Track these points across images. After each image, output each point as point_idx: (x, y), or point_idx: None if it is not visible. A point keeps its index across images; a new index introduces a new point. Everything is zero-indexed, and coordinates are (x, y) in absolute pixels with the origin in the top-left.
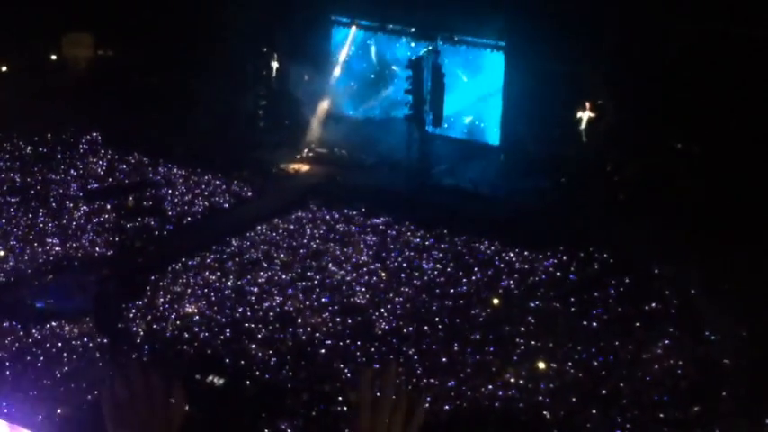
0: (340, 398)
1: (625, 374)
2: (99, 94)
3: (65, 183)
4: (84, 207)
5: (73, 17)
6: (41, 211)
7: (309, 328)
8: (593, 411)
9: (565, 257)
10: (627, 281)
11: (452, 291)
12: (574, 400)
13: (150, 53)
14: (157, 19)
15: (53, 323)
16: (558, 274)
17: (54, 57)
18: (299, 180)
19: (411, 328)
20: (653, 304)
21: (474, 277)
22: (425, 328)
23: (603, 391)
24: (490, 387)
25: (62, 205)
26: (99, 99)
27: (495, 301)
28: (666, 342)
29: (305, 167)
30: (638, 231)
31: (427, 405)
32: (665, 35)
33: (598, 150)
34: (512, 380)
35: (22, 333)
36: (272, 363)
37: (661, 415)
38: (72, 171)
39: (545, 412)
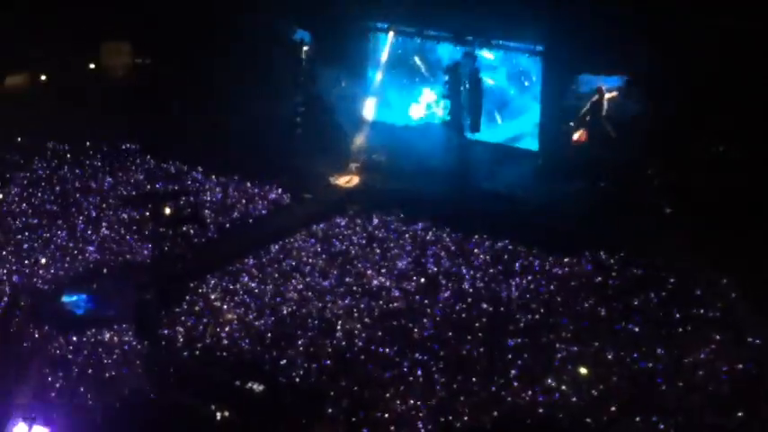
0: (380, 404)
1: (667, 380)
2: (137, 102)
3: (103, 190)
4: (123, 214)
5: (111, 26)
6: (80, 218)
7: (349, 334)
8: (636, 418)
9: (604, 262)
10: (668, 286)
11: (491, 296)
12: (615, 406)
13: (187, 61)
14: (194, 27)
15: (92, 330)
16: (598, 279)
17: (92, 66)
18: (338, 186)
19: (450, 334)
20: (695, 309)
21: (513, 282)
22: (465, 334)
23: (646, 397)
24: (531, 393)
25: (101, 213)
26: (137, 107)
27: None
28: (709, 347)
29: (352, 177)
30: (680, 236)
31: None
32: (708, 35)
33: (638, 154)
34: (553, 385)
35: (61, 340)
36: (311, 369)
37: (704, 421)
38: (110, 179)
39: (587, 419)
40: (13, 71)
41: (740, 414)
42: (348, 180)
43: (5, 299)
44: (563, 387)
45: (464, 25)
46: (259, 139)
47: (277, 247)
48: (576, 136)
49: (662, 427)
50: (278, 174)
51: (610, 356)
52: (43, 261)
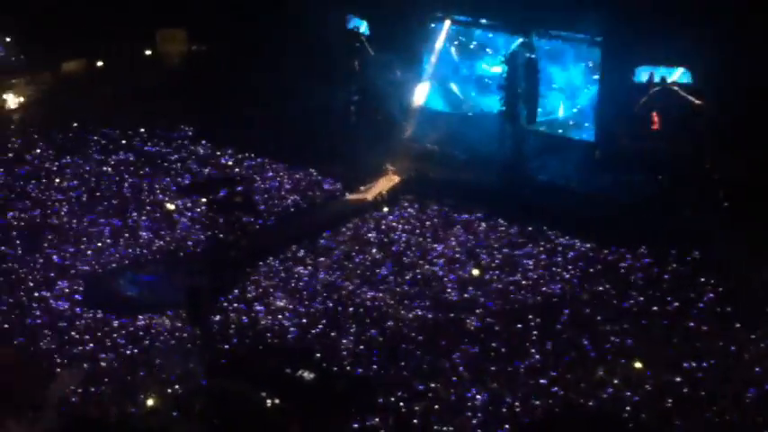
0: (431, 395)
1: (723, 376)
2: (193, 89)
3: (158, 177)
4: (178, 201)
5: (167, 13)
6: (135, 204)
7: (401, 324)
8: (691, 414)
9: (661, 256)
10: (725, 281)
11: (545, 288)
12: (670, 401)
13: (243, 48)
14: (250, 14)
15: (145, 315)
16: (655, 272)
17: (148, 52)
18: (391, 175)
19: (503, 326)
20: (751, 305)
21: (567, 274)
22: (518, 325)
23: (701, 393)
24: (583, 386)
25: (155, 199)
26: (192, 94)
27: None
28: (765, 343)
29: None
30: (738, 231)
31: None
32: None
33: (698, 147)
34: (605, 379)
35: (115, 324)
36: (362, 358)
37: (760, 418)
38: (166, 165)
39: (642, 414)
40: (69, 57)
41: None
42: (383, 185)
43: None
44: (615, 381)
45: (521, 14)
46: (314, 126)
47: (330, 234)
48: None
49: (717, 421)
50: (332, 162)
51: (664, 352)
52: (99, 245)
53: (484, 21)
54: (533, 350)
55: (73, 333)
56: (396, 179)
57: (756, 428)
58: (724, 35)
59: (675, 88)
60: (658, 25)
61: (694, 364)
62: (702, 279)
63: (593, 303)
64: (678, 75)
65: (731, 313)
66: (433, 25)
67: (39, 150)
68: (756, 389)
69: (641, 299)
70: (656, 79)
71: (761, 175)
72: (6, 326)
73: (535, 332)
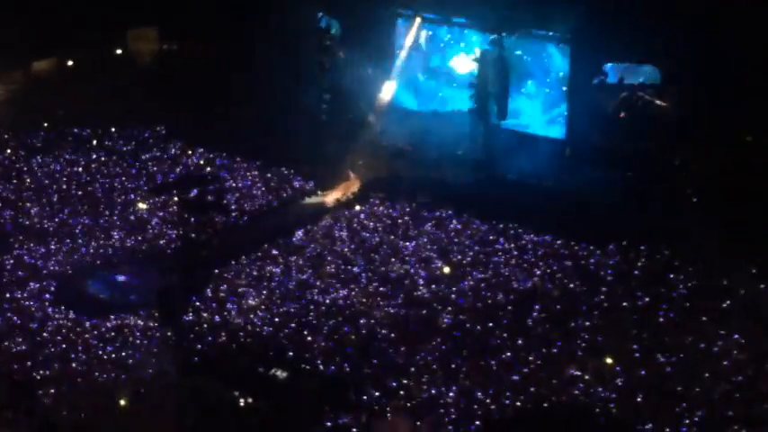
0: (403, 392)
1: (693, 371)
2: (163, 89)
3: (129, 176)
4: (149, 200)
5: (138, 12)
6: (105, 203)
7: (372, 322)
8: (660, 408)
9: (630, 252)
10: (693, 276)
11: (516, 285)
12: (641, 396)
13: (214, 48)
14: (220, 14)
15: (116, 316)
16: (624, 268)
17: (119, 51)
18: (362, 174)
19: (474, 323)
20: (719, 300)
21: (538, 271)
22: (489, 322)
23: (671, 388)
24: (555, 382)
25: (126, 199)
26: (163, 93)
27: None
28: (734, 338)
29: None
30: (706, 227)
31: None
32: (732, 23)
33: (666, 144)
34: (577, 375)
35: (87, 325)
36: (334, 356)
37: (730, 413)
38: (136, 164)
39: (612, 408)
40: (40, 57)
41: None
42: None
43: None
44: (587, 377)
45: (492, 12)
46: (285, 126)
47: (301, 233)
48: None
49: (687, 417)
50: (302, 161)
51: (634, 347)
52: (69, 246)
53: (454, 18)
54: (505, 347)
55: (45, 334)
56: (356, 185)
57: (726, 422)
58: (691, 34)
59: (641, 93)
60: (627, 24)
61: (663, 359)
62: (672, 275)
63: (563, 300)
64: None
65: (700, 306)
66: (402, 23)
67: (9, 150)
68: (725, 383)
69: (611, 295)
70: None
71: (729, 171)
72: None
73: (507, 329)
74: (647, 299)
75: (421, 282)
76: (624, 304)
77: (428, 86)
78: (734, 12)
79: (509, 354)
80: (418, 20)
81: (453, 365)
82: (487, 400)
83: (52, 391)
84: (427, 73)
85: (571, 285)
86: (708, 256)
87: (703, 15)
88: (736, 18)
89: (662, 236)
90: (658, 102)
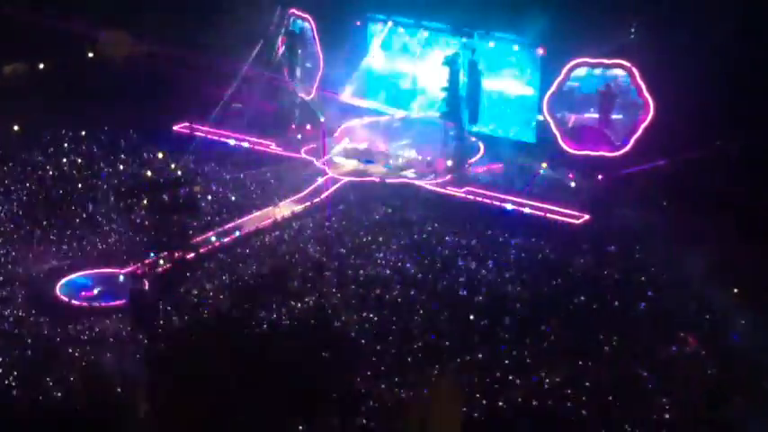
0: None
1: (661, 374)
2: (135, 92)
3: (101, 180)
4: (120, 204)
5: (110, 15)
6: (77, 208)
7: (344, 325)
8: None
9: (602, 256)
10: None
11: (487, 288)
12: (610, 398)
13: (186, 52)
14: (196, 16)
15: (89, 319)
16: (595, 272)
17: (91, 54)
18: (335, 177)
19: (446, 326)
20: (688, 303)
21: (508, 274)
22: (462, 325)
23: (639, 391)
24: (526, 383)
25: (98, 203)
26: (134, 96)
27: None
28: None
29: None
30: (677, 230)
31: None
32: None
33: (643, 148)
34: (544, 377)
35: (58, 329)
36: (305, 359)
37: (694, 414)
38: (108, 168)
39: (582, 411)
40: (10, 60)
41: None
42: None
43: None
44: (556, 379)
45: (463, 17)
46: (256, 129)
47: (271, 236)
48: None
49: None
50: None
51: (603, 350)
52: (39, 250)
53: (426, 23)
54: (477, 349)
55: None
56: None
57: (695, 424)
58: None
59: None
60: (597, 25)
61: (632, 363)
62: (642, 278)
63: (535, 303)
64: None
65: (668, 311)
66: (374, 26)
67: None
68: (692, 385)
69: (582, 298)
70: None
71: (701, 174)
72: None
73: (479, 332)
74: (616, 303)
75: (393, 285)
76: (594, 307)
77: (400, 89)
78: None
79: (480, 355)
80: (390, 23)
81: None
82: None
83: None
84: (400, 76)
85: (543, 289)
86: (679, 260)
87: (675, 18)
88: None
89: (628, 239)
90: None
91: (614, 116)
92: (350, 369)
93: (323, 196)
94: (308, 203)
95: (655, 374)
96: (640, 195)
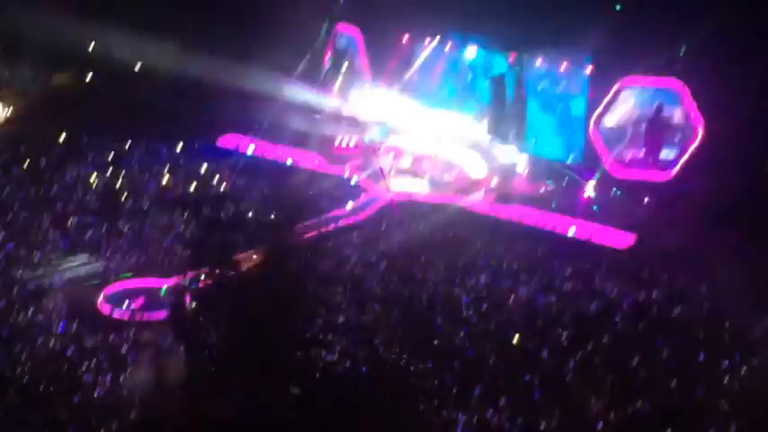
0: None
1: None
2: (180, 105)
3: (145, 192)
4: (165, 217)
5: (156, 27)
6: (121, 219)
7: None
8: None
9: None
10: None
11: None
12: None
13: (232, 65)
14: (237, 32)
15: (130, 330)
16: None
17: (137, 68)
18: (380, 194)
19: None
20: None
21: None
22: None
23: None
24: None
25: (142, 215)
26: (183, 108)
27: None
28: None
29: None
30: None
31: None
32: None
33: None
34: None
35: (99, 339)
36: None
37: None
38: (152, 181)
39: None
40: (60, 70)
41: None
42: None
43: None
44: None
45: (511, 34)
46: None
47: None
48: None
49: None
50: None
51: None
52: (83, 260)
53: (473, 39)
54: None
55: (53, 346)
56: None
57: None
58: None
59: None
60: (648, 44)
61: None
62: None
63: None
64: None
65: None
66: (421, 41)
67: (28, 162)
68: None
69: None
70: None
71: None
72: None
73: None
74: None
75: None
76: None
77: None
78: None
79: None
80: (438, 38)
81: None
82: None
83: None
84: (445, 94)
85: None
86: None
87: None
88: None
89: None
90: None
91: (663, 138)
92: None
93: (367, 213)
94: (353, 221)
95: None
96: (689, 218)
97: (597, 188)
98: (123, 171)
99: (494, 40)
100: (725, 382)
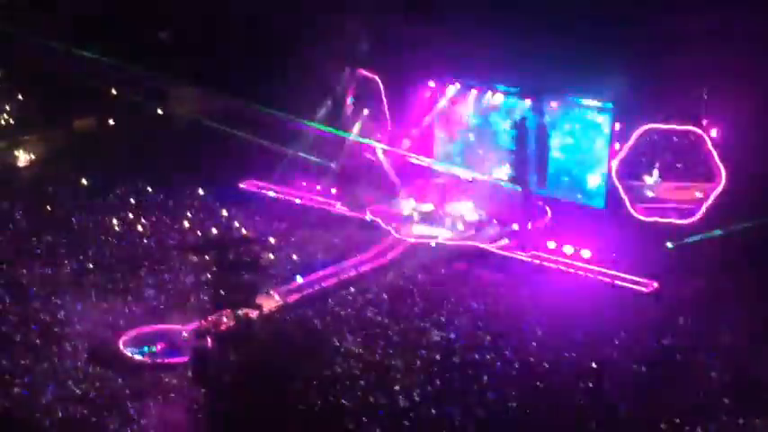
0: None
1: None
2: (201, 149)
3: (165, 236)
4: (184, 260)
5: (180, 72)
6: (142, 262)
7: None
8: None
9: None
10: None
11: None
12: None
13: (254, 110)
14: (261, 77)
15: (150, 374)
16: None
17: (160, 111)
18: (400, 238)
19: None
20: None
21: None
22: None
23: None
24: None
25: (162, 258)
26: (201, 153)
27: None
28: None
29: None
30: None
31: None
32: None
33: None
34: None
35: (120, 381)
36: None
37: None
38: (174, 224)
39: None
40: (81, 114)
41: None
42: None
43: None
44: None
45: (532, 80)
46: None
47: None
48: None
49: None
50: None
51: None
52: (105, 305)
53: (494, 85)
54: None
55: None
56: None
57: None
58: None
59: None
60: (669, 90)
61: None
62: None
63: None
64: None
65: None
66: (442, 87)
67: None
68: None
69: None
70: None
71: None
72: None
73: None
74: None
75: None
76: None
77: (469, 151)
78: None
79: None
80: (458, 84)
81: None
82: None
83: None
84: (467, 138)
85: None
86: None
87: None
88: None
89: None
90: None
91: (685, 183)
92: None
93: (388, 257)
94: (373, 265)
95: None
96: (712, 263)
97: (620, 232)
98: (145, 215)
99: (516, 85)
100: None
